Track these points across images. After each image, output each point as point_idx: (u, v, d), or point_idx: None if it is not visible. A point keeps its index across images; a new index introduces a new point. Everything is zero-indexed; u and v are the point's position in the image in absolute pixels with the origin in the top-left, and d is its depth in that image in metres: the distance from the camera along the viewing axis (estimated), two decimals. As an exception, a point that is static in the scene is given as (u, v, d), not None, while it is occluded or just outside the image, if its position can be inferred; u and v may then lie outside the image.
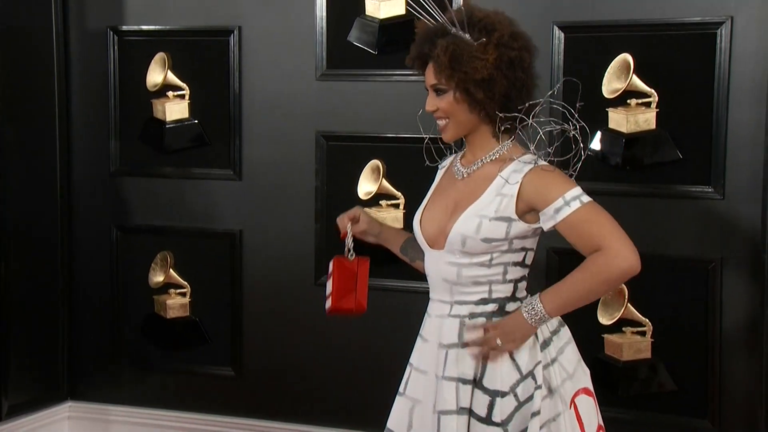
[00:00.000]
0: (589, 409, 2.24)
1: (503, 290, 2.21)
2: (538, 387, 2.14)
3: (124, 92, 3.72)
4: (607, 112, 3.14)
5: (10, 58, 3.57)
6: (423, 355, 2.29)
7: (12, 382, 3.61)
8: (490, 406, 2.15)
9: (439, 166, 2.43)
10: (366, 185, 3.46)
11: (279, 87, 3.53)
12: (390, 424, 2.34)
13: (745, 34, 2.99)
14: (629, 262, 2.07)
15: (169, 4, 3.63)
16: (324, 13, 3.43)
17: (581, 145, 2.17)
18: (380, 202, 3.44)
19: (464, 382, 2.18)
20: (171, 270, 3.74)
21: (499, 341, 2.13)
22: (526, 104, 2.16)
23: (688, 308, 3.12)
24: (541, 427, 2.11)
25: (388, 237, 2.55)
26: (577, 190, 2.10)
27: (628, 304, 3.16)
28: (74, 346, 3.87)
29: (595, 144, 3.17)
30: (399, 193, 3.41)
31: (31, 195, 3.73)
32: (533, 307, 2.13)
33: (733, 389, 3.10)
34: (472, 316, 2.20)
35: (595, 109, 3.13)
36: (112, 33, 3.70)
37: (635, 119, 3.10)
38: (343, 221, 2.50)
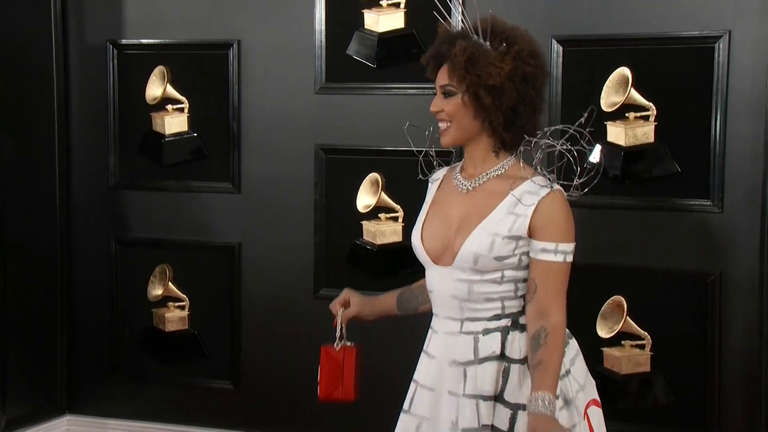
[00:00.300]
0: (600, 421, 2.26)
1: (515, 305, 2.20)
2: (556, 399, 2.12)
3: (124, 105, 3.73)
4: (605, 125, 3.14)
5: (9, 71, 3.58)
6: (429, 372, 2.27)
7: (10, 395, 3.60)
8: (512, 420, 2.15)
9: (430, 180, 2.41)
10: (365, 198, 3.46)
11: (278, 100, 3.53)
12: None
13: (743, 48, 3.00)
14: (564, 326, 2.15)
15: (168, 17, 3.64)
16: (323, 27, 3.44)
17: (582, 164, 2.18)
18: (379, 215, 3.45)
19: (485, 398, 2.16)
20: (170, 283, 3.73)
21: None
22: (546, 130, 2.17)
23: (687, 321, 3.12)
24: None
25: (383, 308, 2.53)
26: (570, 246, 2.14)
27: (627, 318, 3.16)
28: (73, 359, 3.87)
29: (595, 157, 3.17)
30: (398, 206, 3.41)
31: (31, 208, 3.73)
32: (544, 401, 2.06)
33: (732, 402, 3.10)
34: (486, 331, 2.18)
35: (594, 123, 3.10)
36: (111, 46, 3.71)
37: (634, 132, 3.11)
38: (335, 308, 2.50)
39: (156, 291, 3.75)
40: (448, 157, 2.47)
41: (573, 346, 2.28)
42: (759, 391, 3.02)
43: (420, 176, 2.42)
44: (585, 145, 2.19)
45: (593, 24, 3.15)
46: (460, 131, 2.18)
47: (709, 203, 3.07)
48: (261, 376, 3.65)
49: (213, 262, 3.67)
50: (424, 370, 2.29)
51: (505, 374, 2.16)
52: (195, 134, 3.66)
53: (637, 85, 3.09)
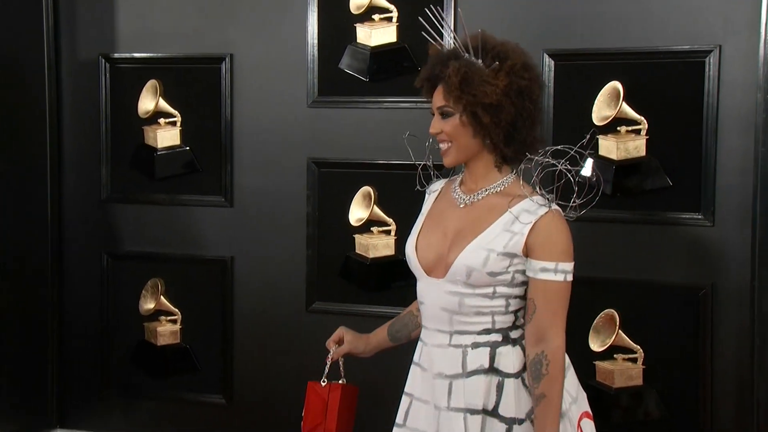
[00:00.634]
0: None
1: (506, 321, 2.21)
2: None
3: (116, 119, 3.72)
4: (597, 139, 3.14)
5: (1, 85, 3.57)
6: (424, 384, 2.28)
7: (1, 411, 3.57)
8: None
9: (427, 191, 2.43)
10: (357, 212, 3.46)
11: (270, 114, 3.53)
12: None
13: (733, 63, 3.01)
14: (564, 350, 2.17)
15: (161, 31, 3.64)
16: (315, 41, 3.44)
17: (581, 185, 2.22)
18: (371, 228, 3.44)
19: (472, 412, 2.17)
20: (162, 297, 3.72)
21: None
22: (547, 149, 2.19)
23: (679, 335, 3.12)
24: None
25: (376, 342, 2.55)
26: (570, 266, 2.15)
27: (620, 331, 3.16)
28: (64, 373, 3.84)
29: (586, 171, 3.16)
30: (390, 220, 3.41)
31: (22, 221, 3.72)
32: None
33: (724, 416, 3.09)
34: (475, 345, 2.20)
35: (585, 136, 3.13)
36: (103, 60, 3.70)
37: (625, 146, 3.11)
38: (329, 345, 2.53)
39: (148, 305, 3.73)
40: (446, 170, 2.46)
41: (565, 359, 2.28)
42: (751, 404, 3.02)
43: (418, 187, 2.44)
44: (583, 166, 2.22)
45: (585, 38, 3.15)
46: (462, 151, 2.20)
47: (700, 217, 3.07)
48: (253, 390, 3.63)
49: (205, 276, 3.65)
50: (418, 382, 2.30)
51: (500, 389, 2.17)
52: (187, 148, 3.65)
53: (628, 99, 3.09)
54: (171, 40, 3.63)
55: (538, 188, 2.21)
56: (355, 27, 3.41)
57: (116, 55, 3.69)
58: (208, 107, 3.60)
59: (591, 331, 3.19)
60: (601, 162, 3.14)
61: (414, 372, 2.33)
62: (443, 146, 2.21)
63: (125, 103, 3.70)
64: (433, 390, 2.23)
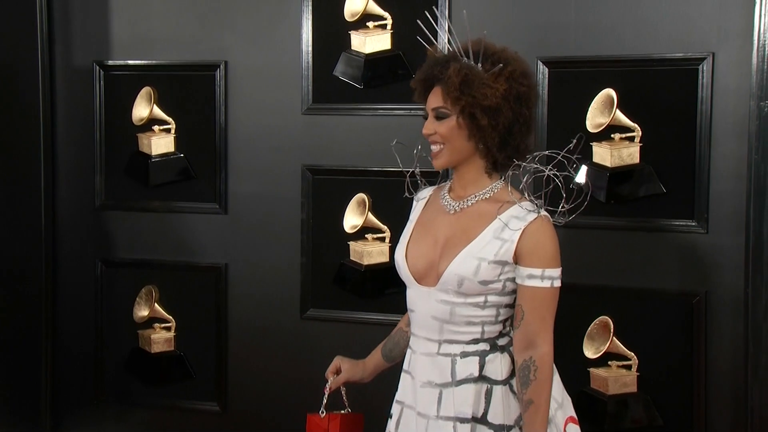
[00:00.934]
0: None
1: (495, 330, 2.23)
2: None
3: (110, 126, 3.71)
4: (591, 146, 3.15)
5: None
6: (415, 393, 2.28)
7: (-6, 419, 3.57)
8: None
9: (415, 199, 2.43)
10: (352, 219, 3.46)
11: (265, 121, 3.52)
12: None
13: (727, 70, 3.01)
14: (552, 357, 2.18)
15: (155, 38, 3.63)
16: (310, 48, 3.45)
17: (569, 189, 2.23)
18: (366, 235, 3.44)
19: (462, 421, 2.18)
20: (156, 304, 3.71)
21: None
22: (535, 155, 2.20)
23: (674, 342, 3.12)
24: None
25: (373, 366, 2.55)
26: (557, 272, 2.16)
27: (614, 338, 3.16)
28: (58, 380, 3.83)
29: (580, 178, 3.17)
30: (385, 227, 3.41)
31: (16, 229, 3.72)
32: None
33: (718, 423, 3.09)
34: (464, 355, 2.21)
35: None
36: (98, 67, 3.69)
37: (619, 153, 3.11)
38: (327, 376, 2.53)
39: (142, 312, 3.72)
40: (434, 177, 2.48)
41: None
42: (745, 412, 3.01)
43: (406, 194, 2.44)
44: (572, 171, 2.22)
45: (579, 46, 3.15)
46: (454, 153, 2.20)
47: (694, 224, 3.07)
48: (247, 398, 3.62)
49: (199, 283, 3.65)
50: (407, 390, 2.31)
51: (488, 396, 2.18)
52: (181, 155, 3.65)
53: (622, 107, 3.10)
54: (165, 47, 3.62)
55: (526, 194, 2.22)
56: (350, 34, 3.41)
57: (110, 62, 3.69)
58: (202, 114, 3.59)
59: (585, 338, 3.20)
60: (595, 169, 3.15)
61: (404, 379, 2.34)
62: (435, 148, 2.22)
63: (119, 110, 3.69)
64: (420, 398, 2.24)
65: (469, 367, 2.20)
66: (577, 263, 3.15)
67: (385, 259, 3.40)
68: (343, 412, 2.54)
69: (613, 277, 3.16)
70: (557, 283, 2.16)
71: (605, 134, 3.13)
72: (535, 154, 2.22)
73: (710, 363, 3.09)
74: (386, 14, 3.36)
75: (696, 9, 3.03)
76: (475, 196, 2.23)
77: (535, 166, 2.21)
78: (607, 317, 3.17)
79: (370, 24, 3.38)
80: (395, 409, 2.34)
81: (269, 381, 3.58)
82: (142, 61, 3.65)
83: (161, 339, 3.71)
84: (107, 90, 3.70)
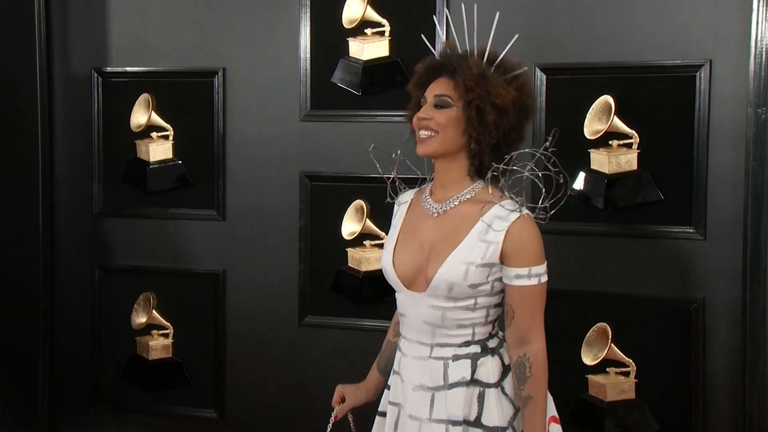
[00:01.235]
0: None
1: (485, 331, 2.26)
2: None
3: (108, 133, 3.71)
4: (589, 153, 3.15)
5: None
6: (405, 395, 2.29)
7: (-8, 425, 3.56)
8: None
9: (397, 203, 2.45)
10: (350, 225, 3.46)
11: (263, 128, 3.52)
12: None
13: (724, 77, 3.02)
14: (545, 351, 2.21)
15: (153, 45, 3.63)
16: (308, 55, 3.45)
17: (549, 187, 2.25)
18: (364, 242, 3.44)
19: (454, 423, 2.20)
20: (153, 311, 3.71)
21: None
22: (513, 154, 2.22)
23: (671, 348, 3.12)
24: None
25: (372, 384, 2.56)
26: (542, 268, 2.19)
27: (612, 345, 3.16)
28: (55, 387, 3.82)
29: (578, 184, 3.18)
30: (383, 233, 3.41)
31: (13, 235, 3.71)
32: None
33: (716, 430, 3.09)
34: (456, 357, 2.23)
35: (577, 150, 3.15)
36: (96, 74, 3.69)
37: (617, 160, 3.12)
38: (334, 406, 2.54)
39: (140, 319, 3.72)
40: (414, 184, 2.51)
41: None
42: (743, 419, 3.02)
43: (388, 199, 2.48)
44: (551, 167, 2.23)
45: (576, 52, 3.16)
46: (444, 143, 2.21)
47: (692, 230, 3.07)
48: (245, 405, 3.62)
49: (197, 290, 3.64)
50: (399, 391, 2.33)
51: (481, 399, 2.21)
52: (179, 161, 3.65)
53: (619, 113, 3.10)
54: (163, 54, 3.62)
55: (506, 192, 2.24)
56: (348, 41, 3.41)
57: (108, 69, 3.68)
58: (200, 121, 3.59)
59: (583, 344, 3.20)
60: (593, 176, 3.15)
61: (394, 380, 2.36)
62: (425, 134, 2.22)
63: (117, 116, 3.69)
64: (412, 400, 2.26)
65: (461, 370, 2.22)
66: (575, 270, 3.19)
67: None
68: None
69: (611, 284, 3.16)
70: (544, 279, 2.19)
71: (603, 141, 3.13)
72: (512, 153, 2.24)
73: (708, 370, 3.09)
74: (384, 21, 3.36)
75: (693, 16, 3.04)
76: (457, 198, 2.24)
77: (514, 167, 2.24)
78: (605, 324, 3.17)
79: (368, 31, 3.39)
80: (391, 411, 2.35)
81: (267, 388, 3.58)
82: (141, 68, 3.65)
83: (159, 346, 3.71)
84: (105, 97, 3.70)
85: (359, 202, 3.43)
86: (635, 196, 3.13)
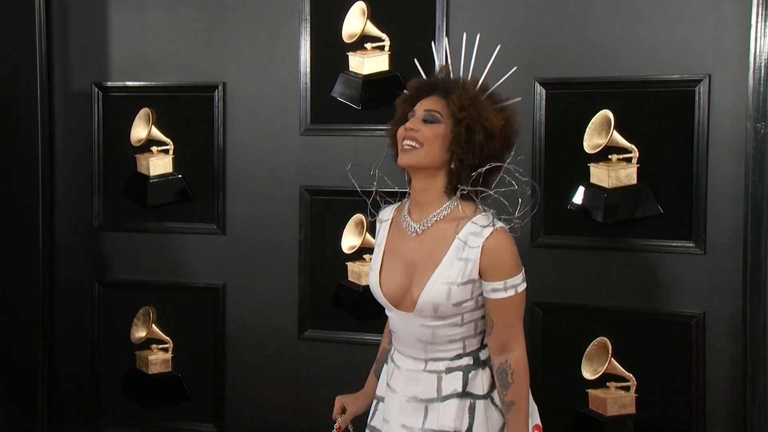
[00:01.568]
0: None
1: (475, 343, 2.32)
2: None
3: (108, 147, 3.71)
4: (588, 167, 3.15)
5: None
6: (401, 406, 2.32)
7: (-10, 440, 3.55)
8: None
9: (378, 220, 2.49)
10: (350, 239, 3.45)
11: (263, 142, 3.52)
12: None
13: (723, 92, 3.02)
14: (525, 357, 2.28)
15: (154, 60, 3.64)
16: (308, 69, 3.45)
17: (520, 200, 2.32)
18: (364, 256, 3.44)
19: None
20: (153, 325, 3.70)
21: None
22: (482, 169, 2.24)
23: (672, 363, 3.11)
24: None
25: (371, 392, 2.58)
26: (519, 278, 2.24)
27: (612, 359, 3.15)
28: (54, 402, 3.81)
29: (578, 199, 3.18)
30: (382, 248, 3.40)
31: (13, 250, 3.71)
32: None
33: (717, 444, 3.09)
34: (449, 370, 2.29)
35: (577, 164, 3.16)
36: (96, 89, 3.70)
37: (616, 174, 3.12)
38: (335, 418, 2.58)
39: (139, 333, 3.71)
40: (394, 197, 2.54)
41: None
42: (744, 433, 3.02)
43: (369, 218, 2.52)
44: (523, 176, 2.30)
45: (576, 67, 3.16)
46: (427, 157, 2.24)
47: (691, 245, 3.07)
48: (245, 419, 3.61)
49: (197, 304, 3.64)
50: (392, 405, 2.35)
51: (472, 411, 2.27)
52: (180, 176, 3.64)
53: (619, 128, 3.10)
54: (164, 68, 3.63)
55: (479, 205, 2.28)
56: (348, 55, 3.42)
57: (109, 84, 3.69)
58: (200, 135, 3.59)
59: (583, 358, 3.19)
60: (593, 190, 3.15)
61: (387, 394, 2.38)
62: (409, 144, 2.25)
63: (118, 131, 3.69)
64: (406, 411, 2.30)
65: (453, 383, 2.27)
66: (575, 284, 3.19)
67: (383, 279, 3.40)
68: None
69: (611, 298, 3.16)
70: (521, 288, 2.24)
71: (602, 155, 3.14)
72: (480, 170, 2.25)
73: (709, 384, 3.08)
74: (384, 36, 3.37)
75: (693, 31, 3.05)
76: (434, 216, 2.28)
77: (483, 190, 2.28)
78: (605, 338, 3.17)
79: (368, 45, 3.39)
80: (385, 429, 2.38)
81: (267, 402, 3.57)
82: (141, 83, 3.66)
83: (159, 360, 3.70)
84: (106, 111, 3.70)
85: (359, 216, 3.43)
86: (635, 211, 3.13)
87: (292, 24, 3.46)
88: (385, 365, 2.50)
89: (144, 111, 3.65)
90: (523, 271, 2.26)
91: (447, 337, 2.27)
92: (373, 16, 3.38)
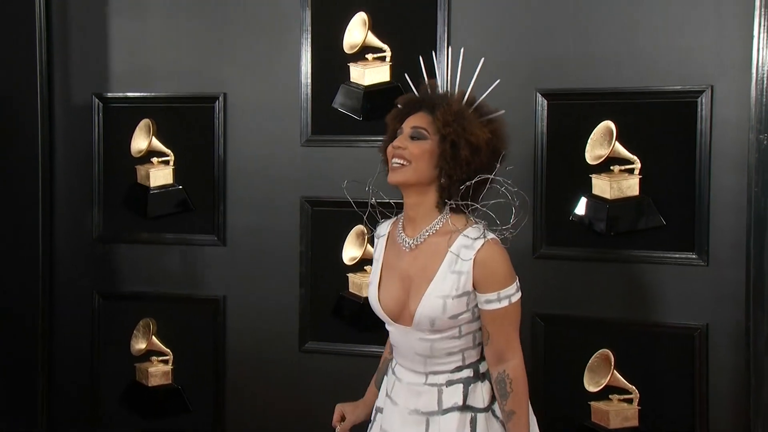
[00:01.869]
0: None
1: (474, 354, 2.34)
2: None
3: (109, 158, 3.71)
4: (590, 178, 3.15)
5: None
6: (402, 419, 2.34)
7: (-10, 453, 3.54)
8: None
9: (376, 236, 2.51)
10: (351, 251, 3.44)
11: (264, 153, 3.52)
12: None
13: (725, 103, 3.02)
14: (523, 366, 2.29)
15: (154, 71, 3.63)
16: (309, 80, 3.45)
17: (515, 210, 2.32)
18: (365, 267, 3.43)
19: None
20: (153, 337, 3.69)
21: None
22: (470, 182, 2.25)
23: (675, 375, 3.10)
24: None
25: (371, 401, 2.60)
26: (512, 288, 2.25)
27: (615, 371, 3.14)
28: (54, 415, 3.80)
29: (580, 210, 3.17)
30: (384, 259, 3.39)
31: (12, 260, 3.70)
32: None
33: (721, 457, 3.07)
34: (450, 383, 2.31)
35: (579, 175, 3.15)
36: (97, 100, 3.69)
37: (618, 185, 3.11)
38: (334, 425, 2.61)
39: (139, 345, 3.70)
40: (392, 210, 2.56)
41: None
42: (747, 446, 3.00)
43: (366, 233, 2.51)
44: (508, 191, 2.29)
45: (577, 78, 3.16)
46: (416, 174, 2.26)
47: (694, 256, 3.06)
48: (246, 431, 3.59)
49: (197, 316, 3.62)
50: (393, 416, 2.37)
51: (473, 424, 2.28)
52: (180, 187, 3.64)
53: (621, 139, 3.10)
54: (164, 79, 3.62)
55: (470, 217, 2.30)
56: (349, 66, 3.41)
57: (109, 95, 3.68)
58: (201, 146, 3.59)
59: (586, 371, 3.18)
60: (595, 201, 3.14)
61: (386, 404, 2.41)
62: (398, 162, 2.28)
63: (118, 142, 3.69)
64: (407, 424, 2.31)
65: (454, 396, 2.29)
66: (577, 295, 3.18)
67: (384, 290, 3.39)
68: None
69: (613, 310, 3.15)
70: (515, 298, 2.25)
71: (604, 166, 3.13)
72: (468, 183, 2.26)
73: (712, 396, 3.07)
74: (385, 46, 3.37)
75: (695, 41, 3.04)
76: (427, 231, 2.30)
77: (473, 204, 2.29)
78: (607, 350, 3.16)
79: (369, 56, 3.39)
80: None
81: (268, 415, 3.56)
82: (142, 93, 3.65)
83: (159, 372, 3.69)
84: (106, 122, 3.70)
85: (360, 227, 3.41)
86: (637, 222, 3.12)
87: (293, 34, 3.46)
88: (385, 376, 2.51)
89: (144, 122, 3.65)
90: (517, 280, 2.28)
91: (445, 350, 2.29)
92: (375, 26, 3.38)
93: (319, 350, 3.49)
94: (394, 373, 2.41)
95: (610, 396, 3.16)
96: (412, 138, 2.27)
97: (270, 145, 3.51)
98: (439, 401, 2.29)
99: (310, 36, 3.44)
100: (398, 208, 2.49)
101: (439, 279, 2.24)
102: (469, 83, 2.37)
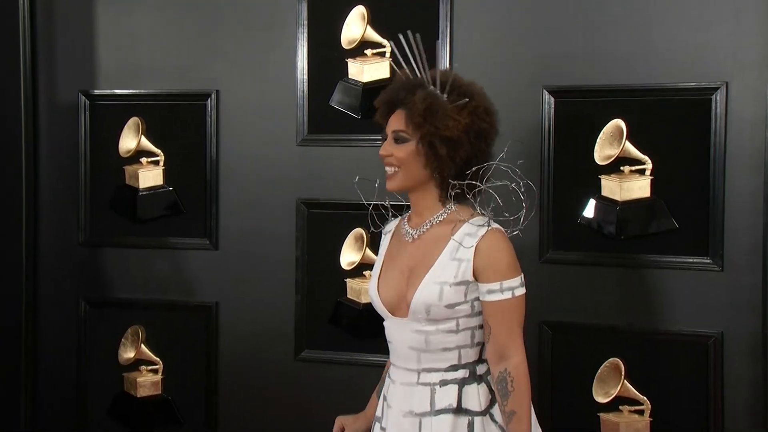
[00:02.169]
0: None
1: (472, 354, 2.31)
2: None
3: (96, 158, 3.67)
4: (599, 179, 3.11)
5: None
6: (397, 421, 2.32)
7: (-29, 466, 3.49)
8: None
9: (383, 232, 2.53)
10: (349, 255, 3.41)
11: (258, 152, 3.48)
12: None
13: (741, 100, 2.98)
14: (525, 365, 2.25)
15: (143, 67, 3.60)
16: (305, 76, 3.42)
17: (524, 202, 2.30)
18: (364, 272, 3.39)
19: None
20: (142, 345, 3.65)
21: None
22: (473, 168, 2.26)
23: (688, 385, 3.06)
24: None
25: (372, 412, 2.55)
26: (516, 281, 2.24)
27: (625, 381, 3.10)
28: (38, 426, 3.76)
29: (588, 212, 3.15)
30: (383, 264, 3.34)
31: (-5, 265, 3.67)
32: None
33: (736, 470, 3.05)
34: (444, 383, 2.29)
35: (587, 176, 3.13)
36: (83, 97, 3.66)
37: (629, 187, 3.08)
38: None
39: (127, 354, 3.66)
40: (401, 210, 2.54)
41: None
42: (764, 458, 2.97)
43: (372, 228, 2.55)
44: (518, 180, 2.28)
45: (586, 74, 3.12)
46: (408, 178, 2.29)
47: (708, 261, 3.02)
48: (238, 444, 3.57)
49: (188, 323, 3.58)
50: (390, 421, 2.36)
51: (470, 427, 2.25)
52: (170, 188, 3.60)
53: (632, 138, 3.06)
54: (153, 76, 3.59)
55: (477, 208, 2.32)
56: (347, 62, 3.38)
57: (96, 92, 3.65)
58: (192, 146, 3.55)
59: (595, 380, 3.14)
60: (604, 203, 3.11)
61: (381, 405, 2.42)
62: (389, 170, 2.31)
63: (106, 141, 3.65)
64: (402, 427, 2.30)
65: (447, 397, 2.27)
66: (586, 302, 3.16)
67: (384, 296, 3.34)
68: None
69: (624, 317, 3.12)
70: (519, 292, 2.24)
71: (614, 167, 3.10)
72: (472, 169, 2.26)
73: (727, 407, 3.03)
74: (385, 41, 3.33)
75: (709, 37, 3.01)
76: (430, 222, 2.32)
77: (475, 183, 2.27)
78: (617, 359, 3.11)
79: (368, 52, 3.36)
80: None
81: (262, 426, 3.51)
82: (130, 91, 3.62)
83: (148, 382, 3.65)
84: (93, 120, 3.66)
85: (359, 230, 3.38)
86: (648, 225, 3.09)
87: (289, 29, 3.43)
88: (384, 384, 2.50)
89: (133, 120, 3.61)
90: (522, 276, 2.26)
91: (441, 344, 2.27)
92: (374, 20, 3.35)
93: (315, 359, 3.45)
94: (389, 376, 2.41)
95: (620, 407, 3.12)
96: (396, 141, 2.29)
97: (264, 145, 3.48)
98: (432, 402, 2.27)
99: (306, 30, 3.41)
100: (408, 207, 2.48)
101: (438, 266, 2.24)
102: (423, 67, 2.31)
